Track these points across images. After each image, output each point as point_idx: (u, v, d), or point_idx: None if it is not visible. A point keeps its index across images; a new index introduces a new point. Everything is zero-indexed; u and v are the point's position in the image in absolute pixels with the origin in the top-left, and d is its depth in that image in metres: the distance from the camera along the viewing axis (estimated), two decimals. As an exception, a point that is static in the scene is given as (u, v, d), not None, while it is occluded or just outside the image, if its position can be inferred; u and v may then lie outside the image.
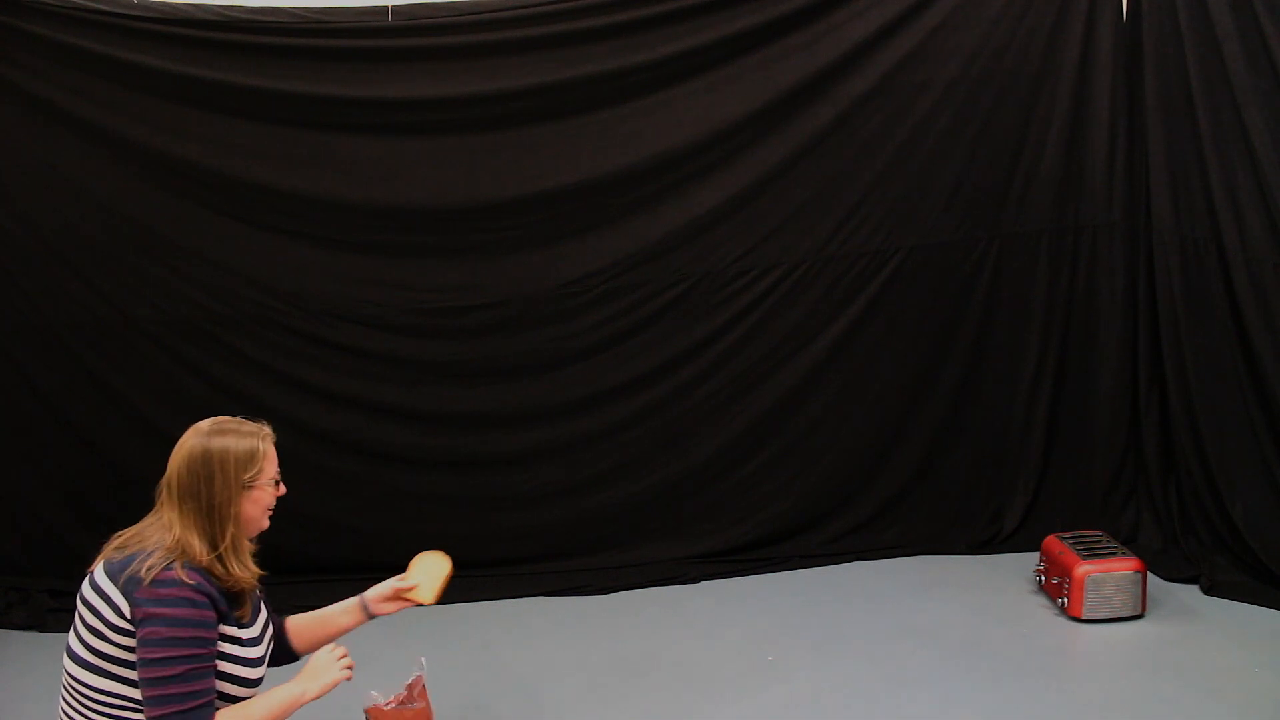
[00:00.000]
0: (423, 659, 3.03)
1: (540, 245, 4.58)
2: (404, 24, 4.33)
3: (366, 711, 2.80)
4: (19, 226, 4.31)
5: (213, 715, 2.47)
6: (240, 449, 2.60)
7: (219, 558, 2.54)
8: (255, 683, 2.61)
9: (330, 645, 2.76)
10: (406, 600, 2.99)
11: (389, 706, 2.82)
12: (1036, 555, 4.49)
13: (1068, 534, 4.42)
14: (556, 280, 4.60)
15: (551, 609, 4.48)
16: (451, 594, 4.37)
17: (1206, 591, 4.40)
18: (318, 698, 2.64)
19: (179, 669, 2.43)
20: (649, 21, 4.44)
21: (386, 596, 2.98)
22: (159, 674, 2.42)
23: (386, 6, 4.32)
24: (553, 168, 4.51)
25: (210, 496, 2.55)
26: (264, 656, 2.67)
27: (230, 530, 2.57)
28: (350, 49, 4.33)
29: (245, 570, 2.59)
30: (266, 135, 4.35)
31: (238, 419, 2.67)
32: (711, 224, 4.64)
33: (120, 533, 2.63)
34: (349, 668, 2.70)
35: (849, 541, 4.87)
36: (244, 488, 2.59)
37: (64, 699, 2.59)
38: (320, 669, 2.68)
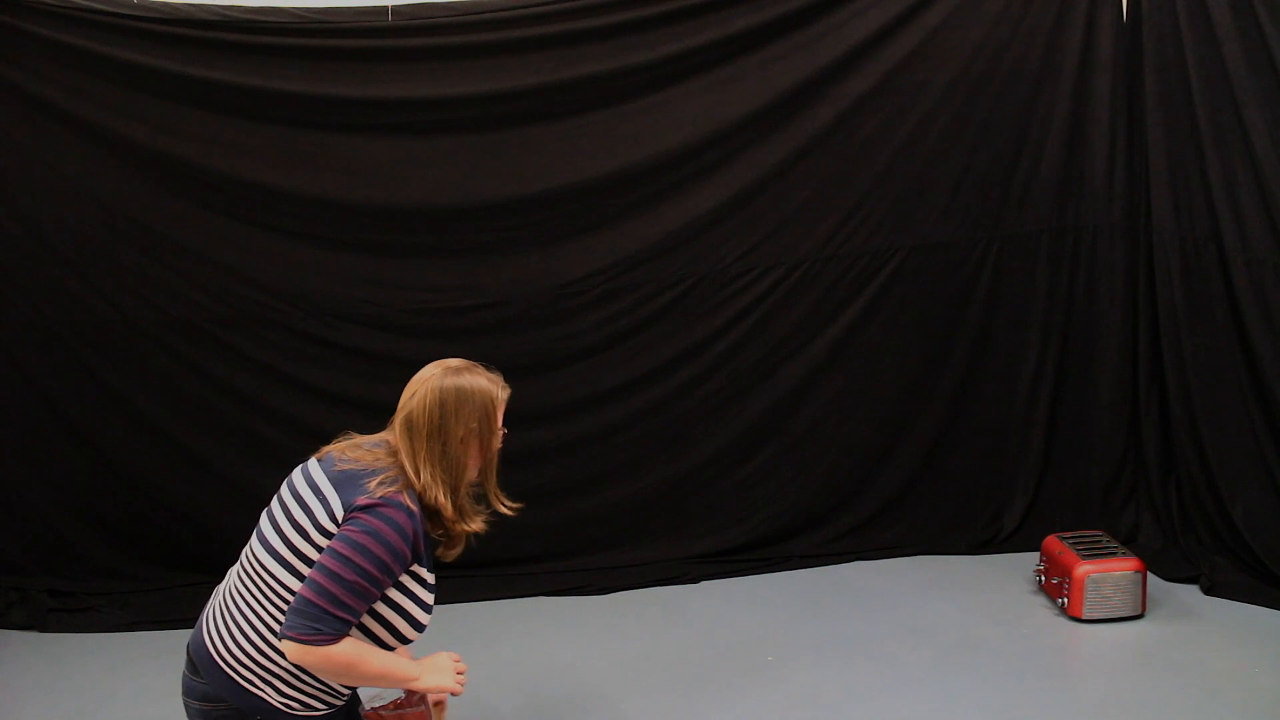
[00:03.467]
0: None
1: (540, 245, 4.58)
2: (404, 24, 4.32)
3: (364, 714, 2.80)
4: (19, 226, 4.31)
5: (346, 635, 2.45)
6: (489, 390, 2.62)
7: (454, 499, 2.55)
8: (423, 627, 2.61)
9: (456, 655, 2.75)
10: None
11: (386, 710, 2.82)
12: (1036, 555, 4.49)
13: (1068, 534, 4.42)
14: (556, 280, 4.60)
15: (551, 609, 4.48)
16: (452, 594, 4.41)
17: (1206, 591, 4.40)
18: (423, 691, 2.64)
19: (352, 577, 2.41)
20: (648, 21, 4.44)
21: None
22: (333, 568, 2.41)
23: (386, 6, 4.32)
24: (553, 168, 4.51)
25: (454, 433, 2.55)
26: (433, 605, 2.66)
27: (466, 471, 2.59)
28: (350, 49, 4.33)
29: (474, 518, 2.61)
30: (266, 135, 4.35)
31: (475, 362, 2.68)
32: (711, 224, 4.64)
33: (336, 443, 2.64)
34: (461, 684, 2.69)
35: (849, 541, 4.87)
36: (489, 430, 2.60)
37: (245, 586, 2.56)
38: (441, 667, 2.68)
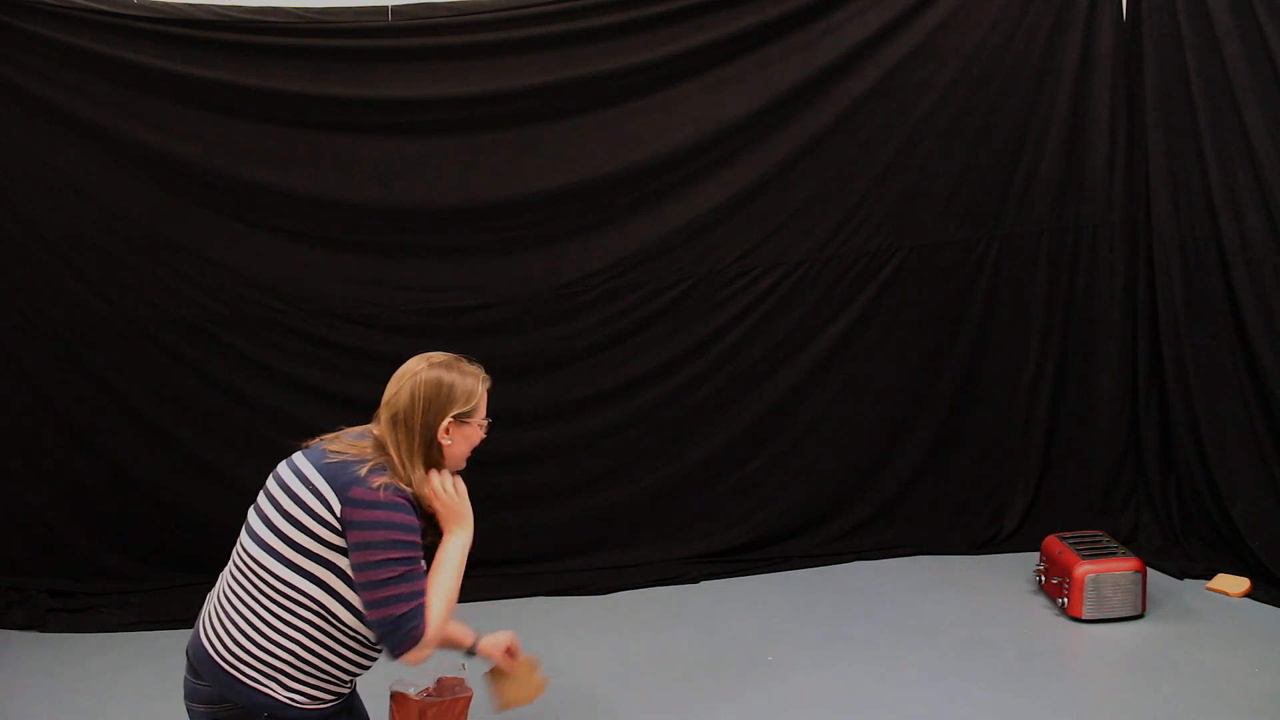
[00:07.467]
0: (465, 664, 3.03)
1: (540, 245, 4.58)
2: (404, 24, 4.33)
3: (392, 692, 2.82)
4: (19, 226, 4.31)
5: (427, 610, 2.49)
6: (465, 384, 2.64)
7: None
8: None
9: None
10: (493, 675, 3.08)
11: (415, 693, 2.83)
12: (1036, 555, 4.49)
13: (1068, 534, 4.42)
14: (556, 280, 4.60)
15: (551, 609, 4.48)
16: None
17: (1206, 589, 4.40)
18: (482, 649, 2.94)
19: (399, 570, 2.44)
20: (649, 21, 4.45)
21: (490, 658, 3.05)
22: (380, 576, 2.43)
23: (386, 6, 4.32)
24: (553, 168, 4.51)
25: (429, 424, 2.58)
26: None
27: (452, 464, 2.64)
28: (350, 49, 4.33)
29: None
30: (266, 135, 4.35)
31: (458, 356, 2.71)
32: (711, 224, 4.64)
33: (321, 437, 2.66)
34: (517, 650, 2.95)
35: (849, 541, 4.87)
36: (461, 422, 2.62)
37: (238, 583, 2.56)
38: (499, 640, 2.99)
